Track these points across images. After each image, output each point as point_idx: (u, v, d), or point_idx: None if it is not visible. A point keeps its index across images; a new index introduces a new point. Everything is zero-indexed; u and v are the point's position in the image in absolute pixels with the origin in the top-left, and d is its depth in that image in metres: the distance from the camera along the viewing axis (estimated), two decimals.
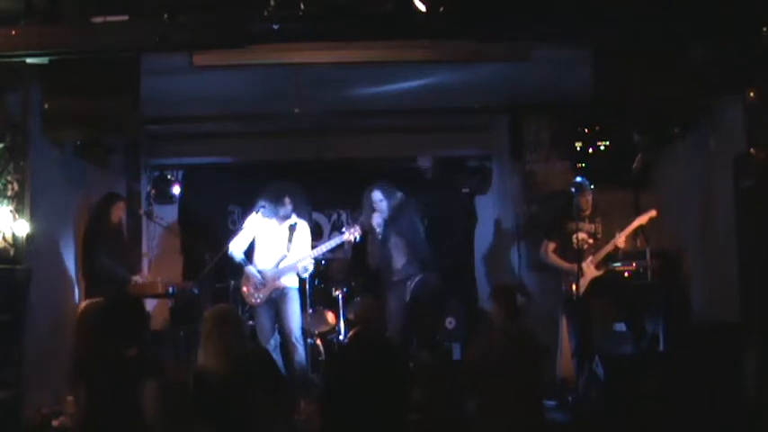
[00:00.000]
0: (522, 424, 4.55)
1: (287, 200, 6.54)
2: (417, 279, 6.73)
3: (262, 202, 6.60)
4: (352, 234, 6.63)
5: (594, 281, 6.35)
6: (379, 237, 6.75)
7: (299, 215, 6.65)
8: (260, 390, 4.07)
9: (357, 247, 8.32)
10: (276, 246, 6.54)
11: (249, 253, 6.65)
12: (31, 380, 5.42)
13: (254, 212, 6.64)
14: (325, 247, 6.66)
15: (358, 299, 7.53)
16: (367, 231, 6.85)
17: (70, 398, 5.11)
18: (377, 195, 6.78)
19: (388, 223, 6.74)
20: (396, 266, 6.76)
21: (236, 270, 6.85)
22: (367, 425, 4.43)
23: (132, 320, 4.07)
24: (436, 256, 6.94)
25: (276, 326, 6.53)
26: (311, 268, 6.60)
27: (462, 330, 7.38)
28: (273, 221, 6.58)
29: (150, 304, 7.68)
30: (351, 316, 7.39)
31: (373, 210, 6.79)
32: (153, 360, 4.04)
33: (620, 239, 6.27)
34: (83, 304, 5.32)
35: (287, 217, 6.57)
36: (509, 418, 4.52)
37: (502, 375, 4.58)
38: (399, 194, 6.85)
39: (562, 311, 6.69)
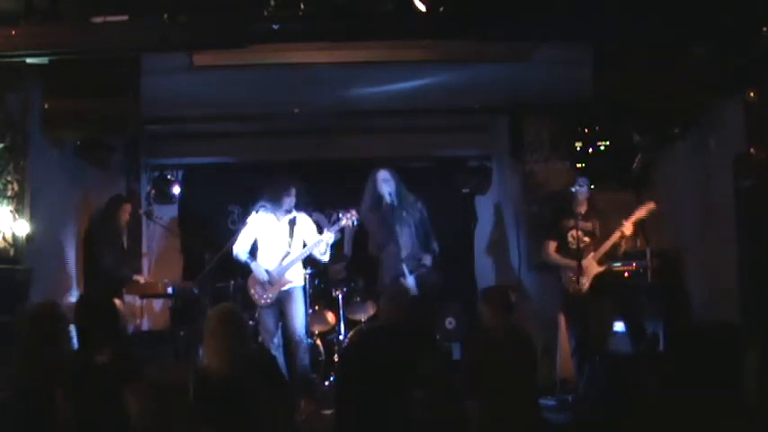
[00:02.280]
0: (520, 424, 4.55)
1: (293, 190, 6.52)
2: (417, 274, 6.64)
3: (263, 201, 6.59)
4: (349, 219, 6.60)
5: (597, 278, 6.36)
6: (389, 204, 6.50)
7: (298, 209, 6.64)
8: (262, 390, 4.06)
9: (357, 247, 8.35)
10: (279, 243, 6.53)
11: (253, 253, 6.64)
12: None
13: (254, 212, 6.63)
14: (326, 236, 6.61)
15: (358, 298, 7.56)
16: (368, 216, 6.74)
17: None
18: (383, 174, 6.60)
19: (395, 205, 6.57)
20: (403, 251, 6.62)
21: (237, 270, 6.84)
22: (387, 416, 4.41)
23: (101, 324, 4.03)
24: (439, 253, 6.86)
25: (280, 325, 6.52)
26: (327, 249, 6.55)
27: (462, 330, 7.39)
28: (272, 219, 6.57)
29: (150, 304, 7.71)
30: (355, 317, 7.41)
31: (377, 190, 6.60)
32: (131, 363, 4.00)
33: (627, 226, 6.27)
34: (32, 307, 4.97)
35: (289, 210, 6.55)
36: (507, 419, 4.52)
37: (500, 376, 4.59)
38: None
39: (561, 309, 6.69)
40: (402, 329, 4.70)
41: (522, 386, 4.64)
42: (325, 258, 6.63)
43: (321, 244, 6.46)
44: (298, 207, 6.62)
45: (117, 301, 6.56)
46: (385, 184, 6.60)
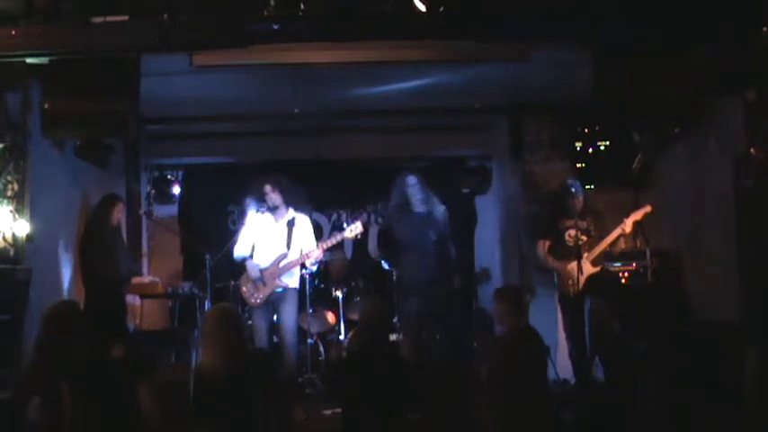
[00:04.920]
0: (534, 422, 4.58)
1: (268, 187, 6.49)
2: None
3: (249, 201, 6.62)
4: (353, 231, 6.61)
5: (592, 278, 6.36)
6: (417, 213, 6.55)
7: (297, 209, 6.63)
8: (260, 390, 4.06)
9: (358, 246, 8.35)
10: (275, 244, 6.52)
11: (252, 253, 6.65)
12: None
13: (248, 212, 6.65)
14: (326, 245, 6.63)
15: (358, 298, 7.56)
16: (396, 221, 6.72)
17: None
18: (411, 180, 6.62)
19: (423, 213, 6.57)
20: (422, 262, 6.64)
21: (236, 270, 6.85)
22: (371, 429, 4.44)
23: (112, 320, 4.04)
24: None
25: (273, 326, 6.54)
26: (317, 262, 6.62)
27: (462, 330, 7.39)
28: (270, 219, 6.56)
29: (150, 304, 7.70)
30: (355, 317, 7.40)
31: (405, 196, 6.60)
32: (143, 359, 4.01)
33: (623, 228, 6.27)
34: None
35: (277, 208, 6.54)
36: (521, 416, 4.54)
37: (514, 374, 4.61)
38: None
39: (559, 309, 6.69)
40: (370, 346, 4.74)
41: (535, 384, 4.67)
42: (314, 268, 6.86)
43: (311, 255, 6.51)
44: (295, 206, 6.61)
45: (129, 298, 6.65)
46: (412, 190, 6.59)
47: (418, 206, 6.58)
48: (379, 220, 8.53)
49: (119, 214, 6.85)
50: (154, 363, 4.09)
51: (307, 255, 6.47)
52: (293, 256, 6.47)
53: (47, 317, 4.09)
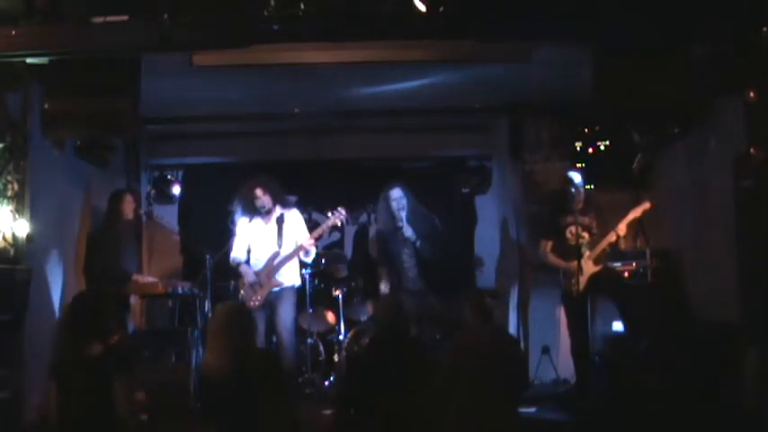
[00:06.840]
0: (495, 425, 4.55)
1: (258, 191, 6.51)
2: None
3: (237, 206, 6.62)
4: (337, 218, 6.62)
5: (593, 278, 6.36)
6: (401, 233, 6.56)
7: (283, 206, 6.63)
8: (265, 390, 4.05)
9: (358, 246, 8.36)
10: (267, 243, 6.54)
11: (248, 257, 6.66)
12: (31, 380, 5.42)
13: (238, 218, 6.66)
14: (315, 235, 6.66)
15: (357, 298, 7.56)
16: (382, 236, 6.76)
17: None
18: (396, 193, 6.66)
19: (407, 225, 6.59)
20: (409, 275, 6.66)
21: (235, 271, 6.86)
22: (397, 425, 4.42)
23: (93, 318, 4.05)
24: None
25: (271, 326, 6.55)
26: (313, 251, 6.59)
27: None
28: (259, 221, 6.58)
29: (150, 304, 7.71)
30: (355, 317, 7.40)
31: (391, 209, 6.65)
32: (121, 358, 4.01)
33: (621, 227, 6.28)
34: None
35: (269, 211, 6.54)
36: (482, 419, 4.52)
37: (476, 376, 4.59)
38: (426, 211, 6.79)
39: (562, 310, 6.69)
40: (391, 343, 4.72)
41: (498, 387, 4.64)
42: (309, 260, 6.74)
43: (303, 247, 6.49)
44: (282, 204, 6.63)
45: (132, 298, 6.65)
46: (399, 202, 6.58)
47: (405, 228, 6.56)
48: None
49: (129, 207, 6.84)
50: (131, 362, 4.07)
51: (301, 247, 6.47)
52: (286, 251, 6.48)
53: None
